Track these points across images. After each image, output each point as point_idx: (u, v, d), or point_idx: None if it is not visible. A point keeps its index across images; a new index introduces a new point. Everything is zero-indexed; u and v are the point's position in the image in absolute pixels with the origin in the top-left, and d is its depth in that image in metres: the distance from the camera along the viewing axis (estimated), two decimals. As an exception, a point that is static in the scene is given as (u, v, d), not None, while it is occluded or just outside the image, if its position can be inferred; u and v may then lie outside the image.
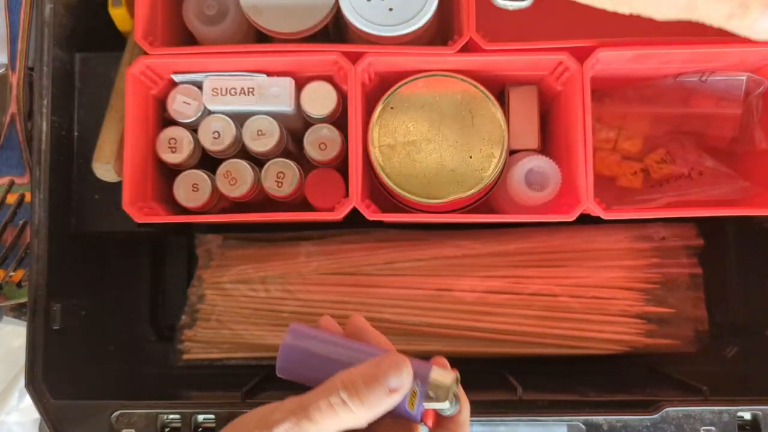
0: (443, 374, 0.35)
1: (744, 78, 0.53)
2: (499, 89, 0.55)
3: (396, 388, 0.33)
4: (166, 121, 0.54)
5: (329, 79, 0.53)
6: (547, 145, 0.56)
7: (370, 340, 0.38)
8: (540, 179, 0.51)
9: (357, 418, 0.32)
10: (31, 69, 0.56)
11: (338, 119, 0.53)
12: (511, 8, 0.42)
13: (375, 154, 0.50)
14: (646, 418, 0.46)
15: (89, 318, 0.56)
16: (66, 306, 0.52)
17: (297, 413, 0.32)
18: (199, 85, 0.52)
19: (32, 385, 0.50)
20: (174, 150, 0.52)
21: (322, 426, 0.32)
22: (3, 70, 0.59)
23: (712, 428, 0.46)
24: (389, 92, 0.51)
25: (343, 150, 0.52)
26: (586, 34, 0.50)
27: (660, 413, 0.46)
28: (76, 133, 0.55)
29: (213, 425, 0.47)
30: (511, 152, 0.53)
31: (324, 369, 0.35)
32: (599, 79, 0.52)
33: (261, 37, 0.54)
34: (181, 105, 0.52)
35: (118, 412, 0.47)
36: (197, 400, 0.54)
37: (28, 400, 0.60)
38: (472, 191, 0.49)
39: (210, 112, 0.53)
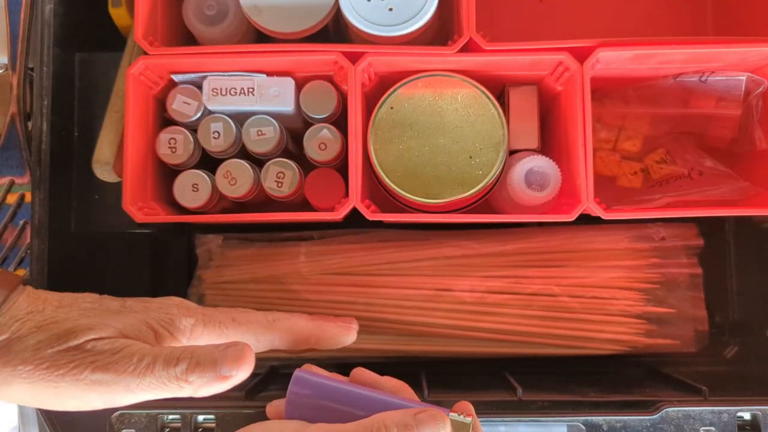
0: (460, 419, 0.36)
1: (744, 78, 0.53)
2: (499, 89, 0.55)
3: None
4: (166, 121, 0.54)
5: (329, 79, 0.53)
6: (547, 145, 0.56)
7: (383, 389, 0.39)
8: (540, 179, 0.51)
9: None
10: (31, 69, 0.56)
11: (338, 119, 0.53)
12: None
13: (375, 155, 0.50)
14: (645, 419, 0.46)
15: (89, 318, 0.56)
16: (66, 306, 0.52)
17: None
18: (199, 85, 0.52)
19: (32, 385, 0.50)
20: (174, 150, 0.52)
21: None
22: (3, 70, 0.59)
23: (712, 428, 0.46)
24: (389, 92, 0.51)
25: (343, 150, 0.52)
26: (586, 34, 0.50)
27: (660, 413, 0.46)
28: (76, 133, 0.55)
29: (213, 425, 0.47)
30: (511, 152, 0.53)
31: (342, 417, 0.35)
32: (599, 79, 0.52)
33: (261, 37, 0.54)
34: (181, 105, 0.52)
35: (118, 412, 0.47)
36: (197, 400, 0.54)
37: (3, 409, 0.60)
38: (472, 191, 0.49)
39: (210, 112, 0.53)
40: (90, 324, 0.37)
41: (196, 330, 0.40)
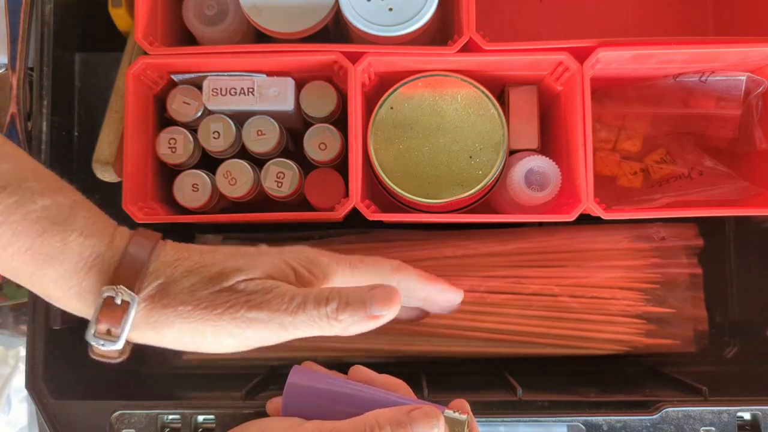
0: (456, 416, 0.36)
1: (744, 78, 0.53)
2: (499, 89, 0.55)
3: None
4: (166, 121, 0.54)
5: (329, 79, 0.53)
6: (547, 145, 0.56)
7: (380, 387, 0.39)
8: (540, 179, 0.51)
9: None
10: (31, 69, 0.56)
11: (338, 119, 0.53)
12: None
13: (375, 154, 0.50)
14: (645, 419, 0.46)
15: (89, 318, 0.56)
16: (66, 306, 0.52)
17: None
18: (199, 85, 0.52)
19: (32, 385, 0.50)
20: (174, 150, 0.52)
21: None
22: (3, 70, 0.59)
23: (712, 428, 0.46)
24: (389, 92, 0.51)
25: (343, 150, 0.52)
26: (586, 34, 0.50)
27: (660, 413, 0.46)
28: (76, 133, 0.55)
29: (213, 426, 0.47)
30: (511, 152, 0.53)
31: (338, 413, 0.36)
32: (599, 79, 0.52)
33: (261, 37, 0.54)
34: (181, 105, 0.52)
35: (118, 412, 0.47)
36: (197, 400, 0.54)
37: (13, 410, 0.60)
38: (472, 191, 0.49)
39: (210, 112, 0.53)
40: (237, 266, 0.38)
41: (331, 267, 0.42)
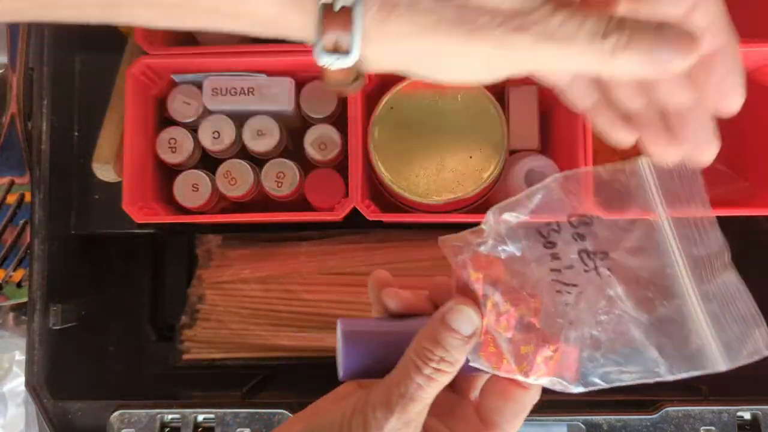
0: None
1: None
2: (499, 89, 0.55)
3: (467, 334, 0.34)
4: (166, 121, 0.54)
5: (329, 79, 0.53)
6: (547, 145, 0.56)
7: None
8: (540, 179, 0.51)
9: (446, 376, 0.33)
10: (31, 69, 0.56)
11: (338, 119, 0.53)
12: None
13: (375, 154, 0.50)
14: (645, 418, 0.46)
15: (89, 318, 0.56)
16: (66, 306, 0.52)
17: (390, 402, 0.32)
18: (199, 85, 0.52)
19: (32, 385, 0.50)
20: (174, 150, 0.52)
21: (418, 401, 0.32)
22: (3, 70, 0.59)
23: (712, 428, 0.46)
24: (389, 92, 0.51)
25: (343, 150, 0.52)
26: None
27: (660, 413, 0.46)
28: (76, 133, 0.55)
29: (213, 425, 0.47)
30: (511, 152, 0.53)
31: (390, 353, 0.34)
32: (599, 79, 0.52)
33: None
34: (181, 105, 0.52)
35: (118, 412, 0.47)
36: (197, 400, 0.54)
37: (10, 414, 0.60)
38: (472, 191, 0.49)
39: (210, 112, 0.53)
40: None
41: None
